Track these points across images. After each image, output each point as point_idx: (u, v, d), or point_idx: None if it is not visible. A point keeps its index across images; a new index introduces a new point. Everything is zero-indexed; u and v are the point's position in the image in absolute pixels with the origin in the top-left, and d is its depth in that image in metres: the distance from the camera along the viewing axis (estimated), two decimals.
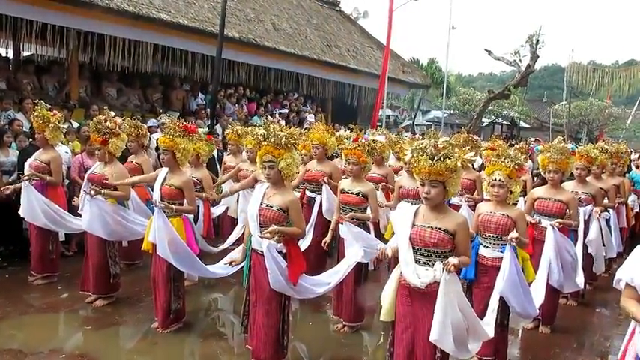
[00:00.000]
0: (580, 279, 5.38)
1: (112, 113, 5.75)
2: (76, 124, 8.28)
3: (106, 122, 5.44)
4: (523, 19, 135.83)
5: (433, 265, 3.32)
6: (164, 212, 4.76)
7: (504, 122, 29.10)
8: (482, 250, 4.37)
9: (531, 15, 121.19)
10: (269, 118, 12.36)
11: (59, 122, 5.97)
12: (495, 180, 4.28)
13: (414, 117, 26.18)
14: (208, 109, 11.30)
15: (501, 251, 4.24)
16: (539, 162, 5.63)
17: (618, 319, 6.06)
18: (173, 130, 4.90)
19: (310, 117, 14.99)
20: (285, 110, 15.08)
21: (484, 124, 25.26)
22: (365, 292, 5.21)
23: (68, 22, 9.36)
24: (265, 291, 4.09)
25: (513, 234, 4.08)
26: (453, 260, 3.23)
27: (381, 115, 17.24)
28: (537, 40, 18.66)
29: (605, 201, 6.67)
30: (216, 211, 7.00)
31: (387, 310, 3.56)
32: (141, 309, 5.55)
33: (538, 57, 19.02)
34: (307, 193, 6.54)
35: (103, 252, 5.51)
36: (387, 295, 3.57)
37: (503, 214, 4.29)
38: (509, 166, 4.25)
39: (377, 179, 6.57)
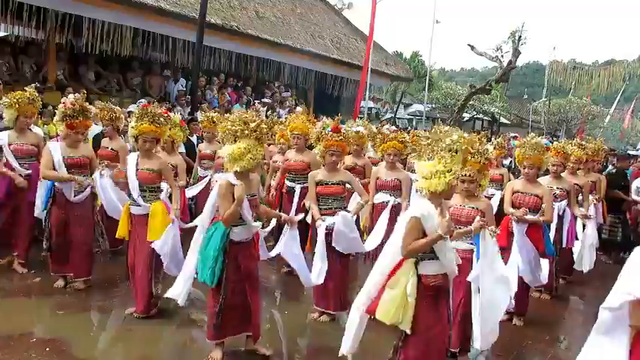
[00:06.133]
0: (544, 275, 5.35)
1: (74, 95, 5.59)
2: None
3: (72, 105, 5.27)
4: (506, 15, 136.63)
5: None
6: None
7: (485, 118, 29.31)
8: (452, 243, 4.37)
9: (514, 11, 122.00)
10: (256, 105, 12.25)
11: None
12: (466, 175, 4.30)
13: (396, 110, 26.24)
14: (189, 96, 11.21)
15: (472, 243, 4.29)
16: (516, 157, 5.69)
17: (590, 314, 6.14)
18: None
19: (298, 109, 14.88)
20: (269, 100, 14.96)
21: (465, 119, 25.40)
22: (347, 282, 5.23)
23: (45, 2, 9.17)
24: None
25: (476, 223, 3.99)
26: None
27: (362, 107, 17.22)
28: (520, 37, 18.78)
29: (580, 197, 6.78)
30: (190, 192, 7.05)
31: (407, 317, 3.34)
32: (116, 295, 5.49)
33: (520, 53, 19.13)
34: (287, 182, 6.48)
35: (90, 233, 5.52)
36: (398, 300, 3.35)
37: (473, 207, 4.35)
38: (480, 162, 4.28)
39: (355, 170, 6.54)
